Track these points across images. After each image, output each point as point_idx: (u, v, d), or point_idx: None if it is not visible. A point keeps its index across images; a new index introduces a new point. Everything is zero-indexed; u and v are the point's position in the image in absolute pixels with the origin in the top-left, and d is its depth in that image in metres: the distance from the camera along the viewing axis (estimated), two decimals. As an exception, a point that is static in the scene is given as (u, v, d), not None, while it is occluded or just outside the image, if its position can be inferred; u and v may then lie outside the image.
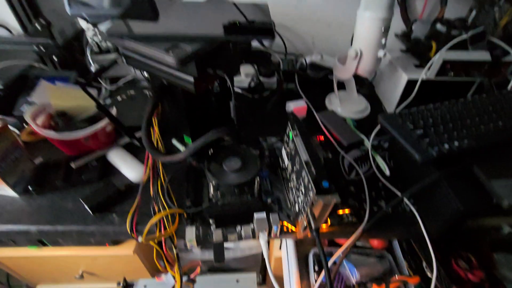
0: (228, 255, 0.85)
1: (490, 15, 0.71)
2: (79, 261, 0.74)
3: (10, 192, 0.48)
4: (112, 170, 0.54)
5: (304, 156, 0.44)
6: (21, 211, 0.47)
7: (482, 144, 0.47)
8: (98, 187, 0.49)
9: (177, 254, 0.48)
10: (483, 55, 0.62)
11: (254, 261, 0.94)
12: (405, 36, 0.77)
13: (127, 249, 0.69)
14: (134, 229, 0.45)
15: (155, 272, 0.80)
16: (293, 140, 0.48)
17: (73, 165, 0.51)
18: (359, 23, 0.59)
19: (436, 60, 0.61)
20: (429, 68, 0.63)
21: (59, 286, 0.85)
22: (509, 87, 0.61)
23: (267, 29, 0.46)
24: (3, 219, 0.46)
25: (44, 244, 0.68)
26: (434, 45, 0.65)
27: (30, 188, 0.49)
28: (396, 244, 0.66)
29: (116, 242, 0.69)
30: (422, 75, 0.63)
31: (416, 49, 0.72)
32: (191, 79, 0.45)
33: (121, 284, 0.79)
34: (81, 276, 0.76)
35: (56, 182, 0.49)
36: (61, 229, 0.46)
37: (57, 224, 0.46)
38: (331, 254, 0.63)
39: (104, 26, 0.62)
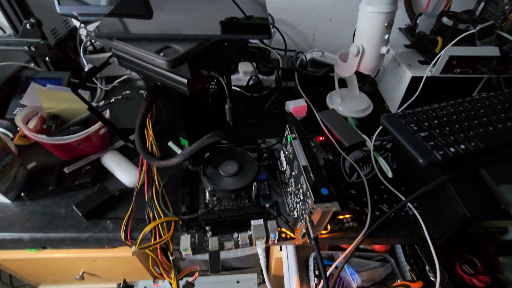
0: (228, 255, 0.84)
1: (499, 7, 0.68)
2: (79, 262, 0.73)
3: (2, 199, 0.47)
4: (106, 174, 0.53)
5: (302, 160, 0.42)
6: (13, 218, 0.46)
7: (490, 146, 0.44)
8: (91, 193, 0.48)
9: (173, 261, 0.47)
10: (491, 51, 0.59)
11: (255, 261, 0.93)
12: (410, 31, 0.74)
13: (126, 251, 0.68)
14: (128, 237, 0.44)
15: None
16: (291, 143, 0.46)
17: (66, 170, 0.50)
18: (361, 18, 0.57)
19: (442, 56, 0.58)
20: (434, 65, 0.60)
21: (61, 286, 0.86)
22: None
23: (263, 27, 0.44)
24: (-5, 226, 0.45)
25: (43, 247, 0.68)
26: (440, 40, 0.62)
27: (23, 194, 0.48)
28: (399, 247, 0.64)
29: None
30: (427, 72, 0.61)
31: (421, 44, 0.69)
32: (184, 81, 0.43)
33: (121, 286, 0.79)
34: (82, 277, 0.76)
35: (49, 188, 0.48)
36: (54, 236, 0.45)
37: (50, 232, 0.45)
38: (332, 258, 0.62)
39: (94, 26, 0.60)
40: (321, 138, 0.60)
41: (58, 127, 0.54)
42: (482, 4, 0.73)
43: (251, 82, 0.73)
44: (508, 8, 0.65)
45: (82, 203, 0.46)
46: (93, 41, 0.70)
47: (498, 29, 0.60)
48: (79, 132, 0.50)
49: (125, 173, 0.51)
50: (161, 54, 0.40)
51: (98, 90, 0.71)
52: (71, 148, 0.50)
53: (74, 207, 0.46)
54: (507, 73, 0.61)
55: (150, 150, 0.52)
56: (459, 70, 0.61)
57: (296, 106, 0.65)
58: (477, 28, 0.57)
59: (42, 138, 0.48)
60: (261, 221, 0.45)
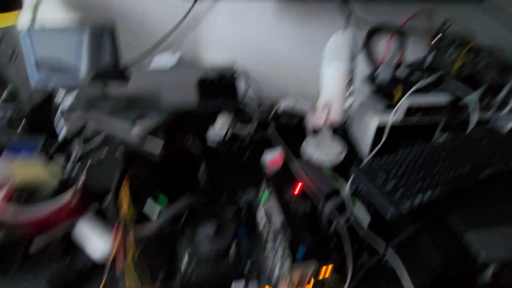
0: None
1: (445, 57, 0.77)
2: None
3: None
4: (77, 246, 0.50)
5: (279, 218, 0.42)
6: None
7: (455, 189, 0.47)
8: (59, 270, 0.45)
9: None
10: (444, 98, 0.65)
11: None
12: (372, 80, 0.80)
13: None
14: (99, 317, 0.41)
15: None
16: (268, 198, 0.47)
17: (32, 248, 0.47)
18: (324, 77, 0.62)
19: (401, 105, 0.64)
20: (395, 113, 0.65)
21: None
22: (469, 129, 0.64)
23: (232, 88, 0.47)
24: None
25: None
26: (398, 89, 0.68)
27: (-19, 276, 0.44)
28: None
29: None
30: (390, 120, 0.65)
31: (382, 93, 0.75)
32: (155, 153, 0.44)
33: None
34: None
35: (12, 268, 0.45)
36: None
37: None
38: (320, 313, 0.59)
39: (71, 96, 0.60)
40: (298, 188, 0.61)
41: (28, 198, 0.52)
42: (432, 54, 0.82)
43: (227, 136, 0.75)
44: (452, 59, 0.74)
45: (49, 282, 0.43)
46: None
47: (447, 78, 0.67)
48: (49, 203, 0.48)
49: (97, 244, 0.48)
50: (136, 124, 0.41)
51: (74, 153, 0.70)
52: (40, 221, 0.48)
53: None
54: (461, 116, 0.67)
55: (127, 211, 0.51)
56: (418, 116, 0.66)
57: (272, 157, 0.67)
58: (428, 80, 0.64)
59: (6, 215, 0.46)
60: (241, 283, 0.43)
